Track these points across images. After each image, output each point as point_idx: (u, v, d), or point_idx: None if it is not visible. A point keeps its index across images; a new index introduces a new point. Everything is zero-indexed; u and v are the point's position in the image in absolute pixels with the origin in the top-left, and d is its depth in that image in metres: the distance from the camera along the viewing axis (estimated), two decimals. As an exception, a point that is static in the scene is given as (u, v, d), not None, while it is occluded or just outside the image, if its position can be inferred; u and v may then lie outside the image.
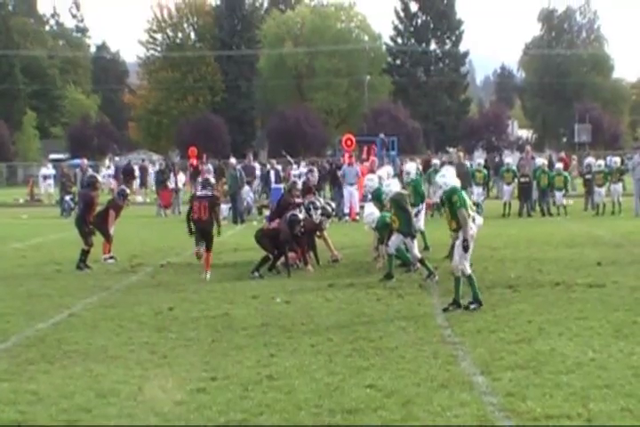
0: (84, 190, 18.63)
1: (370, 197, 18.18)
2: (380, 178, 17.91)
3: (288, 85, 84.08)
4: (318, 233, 17.00)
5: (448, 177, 12.29)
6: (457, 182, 12.29)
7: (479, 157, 40.51)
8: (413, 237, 14.81)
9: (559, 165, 31.93)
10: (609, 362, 8.66)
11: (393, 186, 15.56)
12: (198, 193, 16.20)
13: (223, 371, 8.64)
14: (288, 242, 15.81)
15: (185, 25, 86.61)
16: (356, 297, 13.01)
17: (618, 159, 33.21)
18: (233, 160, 32.14)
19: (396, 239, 14.84)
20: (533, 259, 17.03)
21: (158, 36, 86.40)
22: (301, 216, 16.07)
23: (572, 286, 13.51)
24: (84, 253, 17.09)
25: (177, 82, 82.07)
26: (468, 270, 11.92)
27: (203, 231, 15.49)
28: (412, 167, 19.99)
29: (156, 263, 17.72)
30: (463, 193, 12.22)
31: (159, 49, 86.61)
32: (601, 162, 31.76)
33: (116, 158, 46.72)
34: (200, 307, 12.32)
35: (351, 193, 29.29)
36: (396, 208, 14.83)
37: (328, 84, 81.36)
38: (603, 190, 29.68)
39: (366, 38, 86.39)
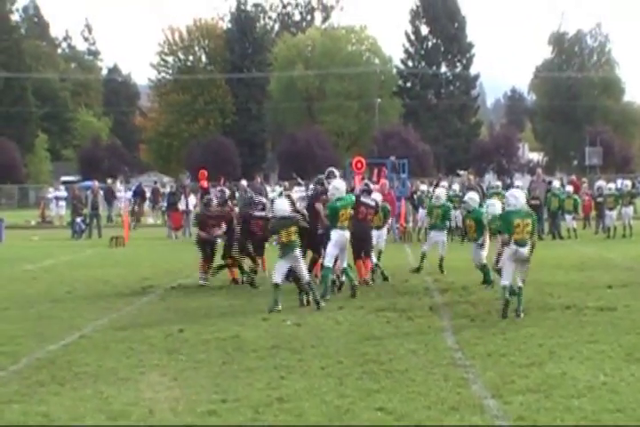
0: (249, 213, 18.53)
1: None
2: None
3: (299, 108, 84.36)
4: None
5: (520, 198, 13.55)
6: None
7: (492, 180, 40.51)
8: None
9: (569, 188, 31.91)
10: (620, 386, 8.63)
11: (278, 206, 14.67)
12: (256, 213, 17.83)
13: (234, 393, 8.63)
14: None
15: (196, 48, 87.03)
16: (367, 320, 13.00)
17: (629, 182, 33.19)
18: (244, 182, 32.24)
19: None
20: (544, 282, 16.97)
21: (169, 59, 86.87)
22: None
23: (583, 309, 13.47)
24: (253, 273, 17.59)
25: (188, 104, 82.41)
26: (519, 283, 13.04)
27: (260, 243, 17.93)
28: (441, 193, 20.19)
29: (166, 285, 17.74)
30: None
31: (170, 71, 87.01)
32: (612, 185, 31.73)
33: (109, 181, 46.26)
34: (210, 329, 12.31)
35: None
36: None
37: (339, 107, 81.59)
38: (614, 214, 29.68)
39: (377, 61, 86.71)
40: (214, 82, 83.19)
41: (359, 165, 33.93)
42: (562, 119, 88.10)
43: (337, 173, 18.19)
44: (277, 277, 14.18)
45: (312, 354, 10.48)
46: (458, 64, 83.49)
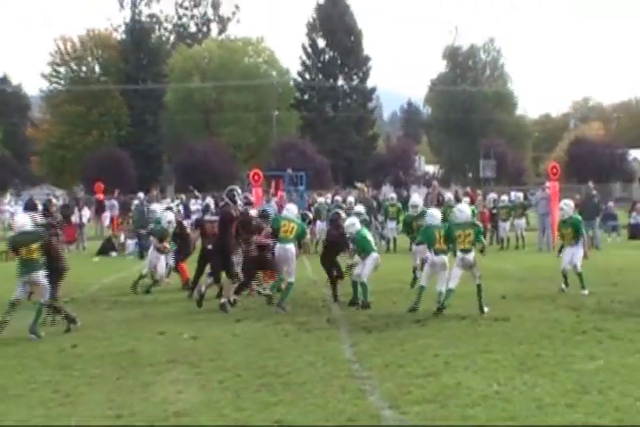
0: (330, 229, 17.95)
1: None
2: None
3: (196, 120, 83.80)
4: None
5: (466, 212, 14.97)
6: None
7: (389, 192, 40.82)
8: None
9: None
10: (513, 395, 8.77)
11: (18, 221, 13.87)
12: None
13: (129, 408, 8.49)
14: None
15: (89, 58, 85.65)
16: (265, 332, 12.95)
17: (521, 195, 33.89)
18: (141, 195, 31.91)
19: None
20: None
21: (62, 70, 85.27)
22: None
23: (478, 319, 13.69)
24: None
25: (81, 116, 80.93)
26: (477, 281, 14.92)
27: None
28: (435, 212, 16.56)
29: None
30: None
31: (62, 82, 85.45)
32: (504, 197, 32.31)
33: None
34: (105, 344, 12.12)
35: None
36: None
37: (236, 119, 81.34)
38: (507, 225, 30.28)
39: (274, 73, 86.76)
40: (109, 93, 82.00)
41: (256, 178, 34.07)
42: (457, 132, 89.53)
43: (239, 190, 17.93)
44: (19, 293, 13.49)
45: (210, 368, 10.40)
46: (355, 77, 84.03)
